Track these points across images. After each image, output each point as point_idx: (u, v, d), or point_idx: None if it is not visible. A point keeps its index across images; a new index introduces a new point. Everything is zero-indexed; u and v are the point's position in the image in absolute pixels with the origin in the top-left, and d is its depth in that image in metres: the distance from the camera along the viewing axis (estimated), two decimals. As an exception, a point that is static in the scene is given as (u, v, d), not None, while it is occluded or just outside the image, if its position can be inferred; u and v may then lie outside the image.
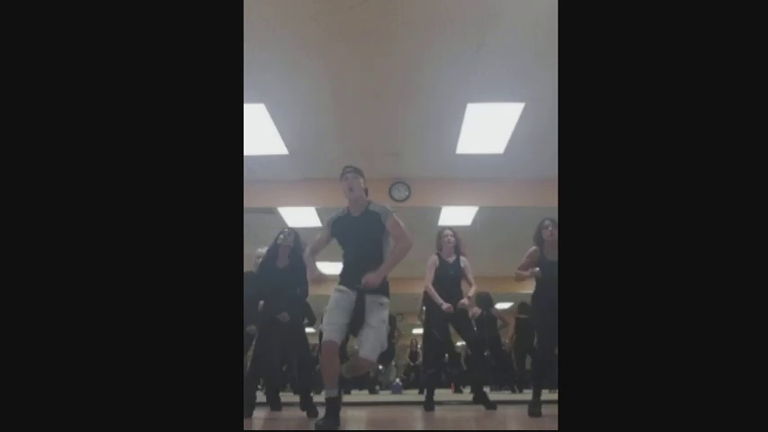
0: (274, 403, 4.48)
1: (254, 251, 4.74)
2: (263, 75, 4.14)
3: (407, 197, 6.16)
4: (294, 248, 4.00)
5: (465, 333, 4.40)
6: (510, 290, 9.37)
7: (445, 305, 4.17)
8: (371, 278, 2.68)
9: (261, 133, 5.07)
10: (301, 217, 7.35)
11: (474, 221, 7.45)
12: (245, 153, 4.13)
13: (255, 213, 6.50)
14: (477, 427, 3.02)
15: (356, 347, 2.81)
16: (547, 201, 4.52)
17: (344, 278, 2.82)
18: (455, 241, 4.38)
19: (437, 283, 4.31)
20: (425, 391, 4.51)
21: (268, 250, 4.11)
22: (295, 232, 4.12)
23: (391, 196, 6.10)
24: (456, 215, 7.26)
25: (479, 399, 4.46)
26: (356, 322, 2.73)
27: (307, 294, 4.15)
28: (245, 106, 4.42)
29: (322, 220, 7.41)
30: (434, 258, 4.37)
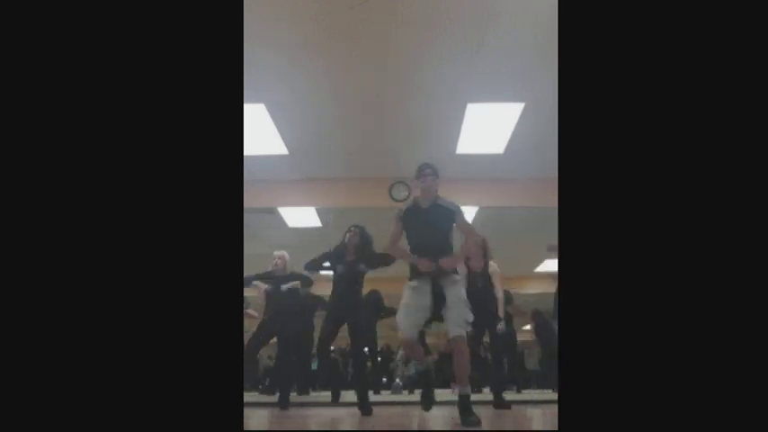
0: (284, 402, 4.53)
1: (272, 253, 4.86)
2: (264, 75, 4.14)
3: (407, 197, 6.16)
4: (360, 245, 4.06)
5: (492, 334, 4.48)
6: (510, 289, 9.36)
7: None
8: (447, 262, 2.84)
9: (261, 133, 5.08)
10: (301, 217, 7.35)
11: (474, 222, 7.45)
12: (245, 153, 4.14)
13: (255, 213, 6.51)
14: (477, 428, 3.01)
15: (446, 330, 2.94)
16: (547, 201, 4.52)
17: (416, 269, 2.89)
18: (484, 250, 4.37)
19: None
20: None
21: (336, 248, 4.15)
22: (361, 228, 4.15)
23: (391, 196, 6.10)
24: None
25: (499, 402, 4.45)
26: (438, 306, 2.84)
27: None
28: (245, 106, 4.42)
29: (322, 220, 7.43)
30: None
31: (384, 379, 9.66)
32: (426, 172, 2.97)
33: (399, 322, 2.93)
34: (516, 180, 6.16)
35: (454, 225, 2.97)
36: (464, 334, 2.85)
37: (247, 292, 5.05)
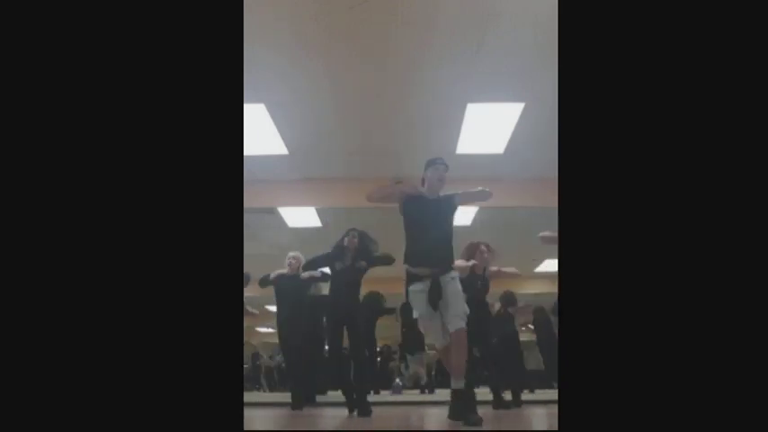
0: (297, 402, 4.56)
1: (288, 254, 4.89)
2: (264, 75, 4.14)
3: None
4: (360, 249, 4.06)
5: (480, 341, 4.48)
6: (510, 290, 9.34)
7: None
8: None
9: (261, 133, 5.07)
10: (301, 217, 7.35)
11: (474, 221, 7.45)
12: (245, 153, 4.12)
13: (255, 213, 6.50)
14: (477, 427, 3.01)
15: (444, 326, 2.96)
16: (547, 201, 4.51)
17: (414, 266, 2.92)
18: (488, 257, 4.39)
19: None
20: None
21: (334, 249, 4.13)
22: (361, 232, 4.13)
23: (391, 196, 6.09)
24: (456, 215, 7.24)
25: (498, 402, 4.45)
26: (434, 301, 2.86)
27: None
28: (245, 106, 4.42)
29: (322, 220, 7.42)
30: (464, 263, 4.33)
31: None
32: (439, 162, 3.03)
33: (426, 335, 2.96)
34: (516, 180, 6.15)
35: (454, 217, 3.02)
36: (464, 326, 2.87)
37: (248, 292, 5.07)
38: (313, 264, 4.34)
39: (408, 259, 2.96)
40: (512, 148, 5.45)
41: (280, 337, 4.99)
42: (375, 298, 6.53)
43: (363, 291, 4.32)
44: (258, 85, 4.24)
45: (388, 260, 4.04)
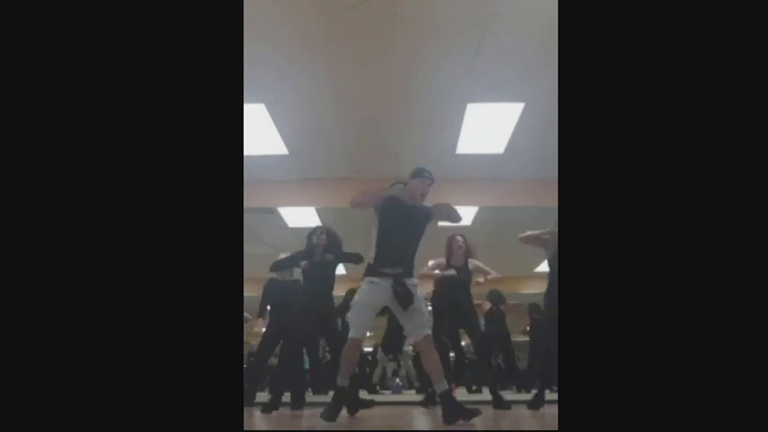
0: (297, 402, 4.55)
1: (278, 256, 4.88)
2: (264, 74, 4.14)
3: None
4: (328, 245, 4.08)
5: (471, 333, 4.48)
6: (510, 289, 9.37)
7: (450, 271, 4.26)
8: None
9: (261, 133, 5.07)
10: (301, 217, 7.35)
11: (474, 221, 7.45)
12: (245, 153, 4.11)
13: (255, 213, 6.50)
14: (478, 427, 3.02)
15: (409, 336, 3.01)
16: (547, 201, 4.52)
17: (382, 265, 2.92)
18: (465, 247, 4.42)
19: (444, 286, 4.35)
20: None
21: (305, 248, 4.16)
22: (327, 229, 4.17)
23: (392, 196, 6.09)
24: (430, 225, 7.24)
25: (497, 402, 4.45)
26: (405, 305, 2.85)
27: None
28: (245, 106, 4.42)
29: (322, 220, 7.42)
30: (443, 260, 4.40)
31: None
32: (427, 176, 3.06)
33: (351, 320, 2.95)
34: (516, 180, 6.16)
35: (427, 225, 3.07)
36: (430, 332, 2.92)
37: (249, 291, 5.08)
38: (281, 265, 4.37)
39: (376, 257, 2.98)
40: (512, 148, 5.45)
41: (275, 336, 4.98)
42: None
43: (343, 288, 4.34)
44: (258, 85, 4.24)
45: (356, 259, 4.04)
